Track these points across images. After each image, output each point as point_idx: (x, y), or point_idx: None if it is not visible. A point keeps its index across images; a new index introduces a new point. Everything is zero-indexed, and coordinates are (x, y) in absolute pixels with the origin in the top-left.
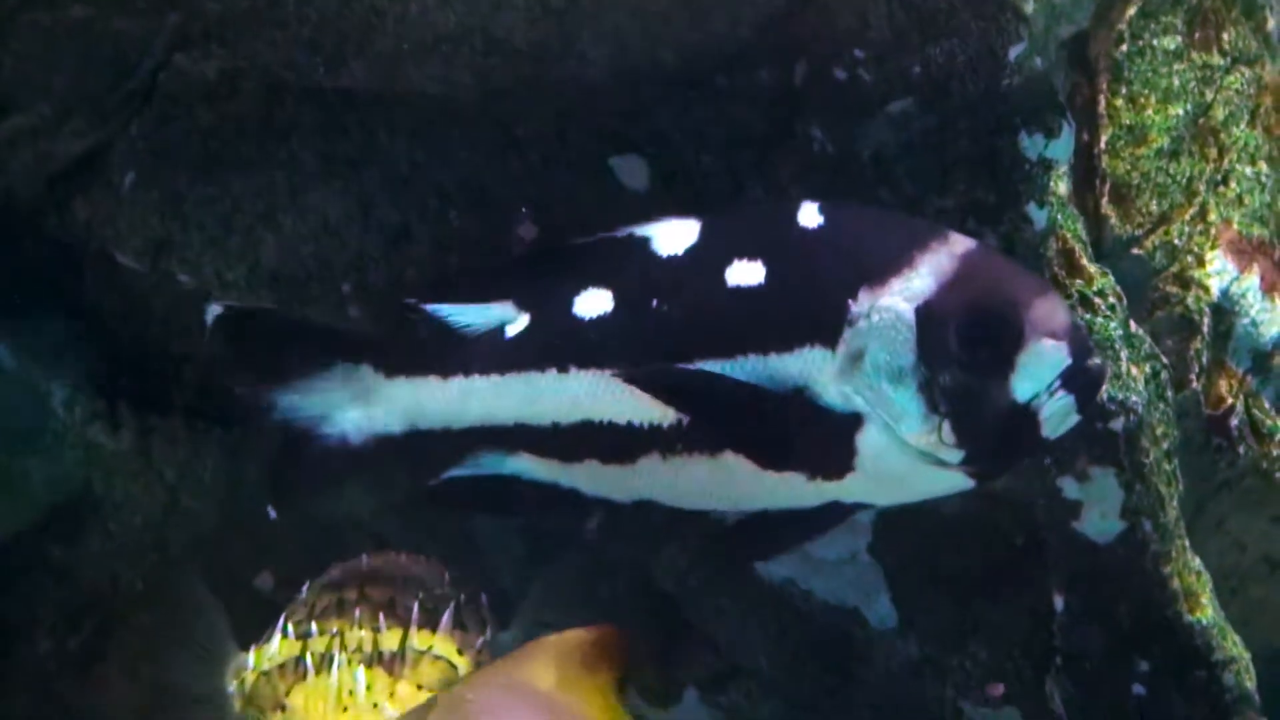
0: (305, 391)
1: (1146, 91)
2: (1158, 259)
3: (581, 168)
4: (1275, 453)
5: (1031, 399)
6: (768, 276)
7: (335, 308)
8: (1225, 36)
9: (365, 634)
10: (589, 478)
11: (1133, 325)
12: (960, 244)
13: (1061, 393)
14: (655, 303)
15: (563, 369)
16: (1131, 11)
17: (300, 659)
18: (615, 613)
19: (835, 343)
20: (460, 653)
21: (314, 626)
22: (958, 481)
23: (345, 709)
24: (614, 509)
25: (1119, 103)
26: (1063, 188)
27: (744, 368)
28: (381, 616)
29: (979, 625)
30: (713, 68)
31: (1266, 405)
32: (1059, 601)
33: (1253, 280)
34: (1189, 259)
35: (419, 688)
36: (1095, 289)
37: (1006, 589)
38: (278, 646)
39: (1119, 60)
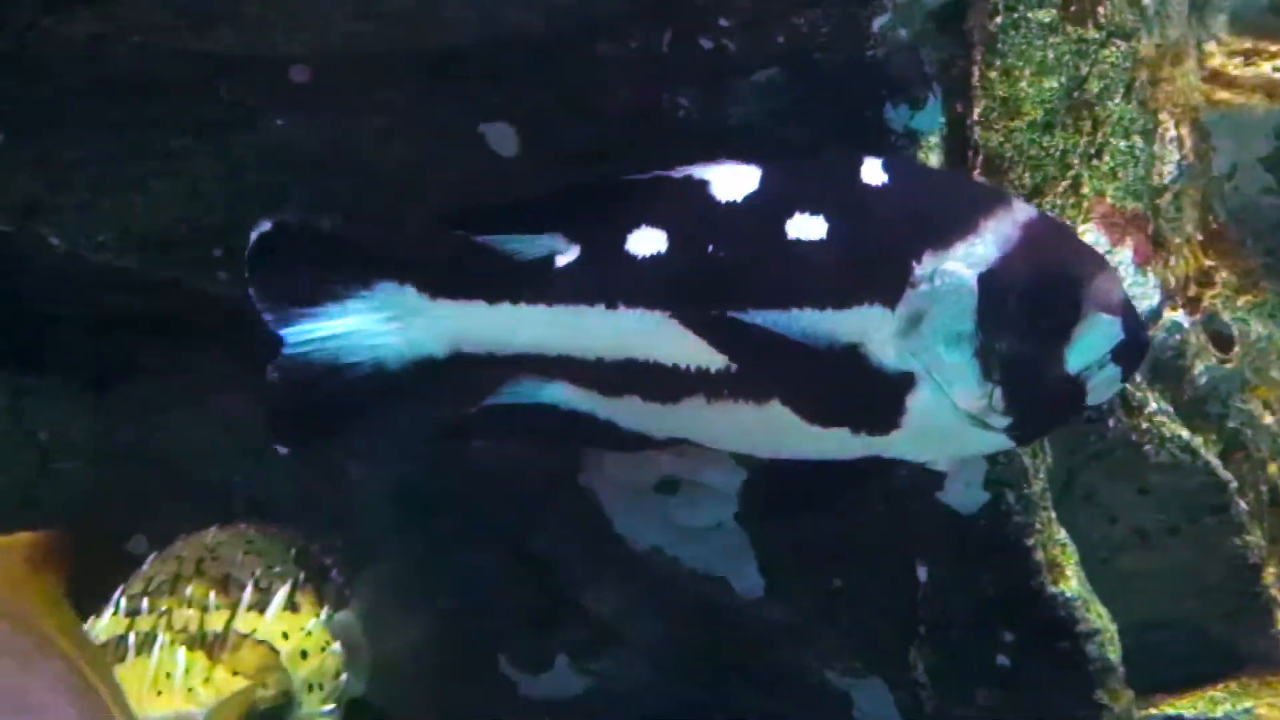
0: (341, 312)
1: (1021, 64)
2: None
3: (451, 134)
4: (1145, 425)
5: (1082, 369)
6: (830, 231)
7: (205, 273)
8: (1101, 10)
9: (193, 613)
10: (629, 413)
11: None
12: (1023, 212)
13: (1111, 365)
14: (711, 248)
15: (611, 305)
16: None
17: (123, 638)
18: (488, 580)
19: (896, 303)
20: (286, 636)
21: (145, 603)
22: (999, 441)
23: (160, 692)
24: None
25: (993, 75)
26: (933, 159)
27: (800, 321)
28: (212, 595)
29: (844, 594)
30: (581, 34)
31: (1138, 378)
32: (923, 571)
33: (1126, 253)
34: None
35: (235, 673)
36: None
37: (871, 558)
38: (106, 623)
39: (993, 33)
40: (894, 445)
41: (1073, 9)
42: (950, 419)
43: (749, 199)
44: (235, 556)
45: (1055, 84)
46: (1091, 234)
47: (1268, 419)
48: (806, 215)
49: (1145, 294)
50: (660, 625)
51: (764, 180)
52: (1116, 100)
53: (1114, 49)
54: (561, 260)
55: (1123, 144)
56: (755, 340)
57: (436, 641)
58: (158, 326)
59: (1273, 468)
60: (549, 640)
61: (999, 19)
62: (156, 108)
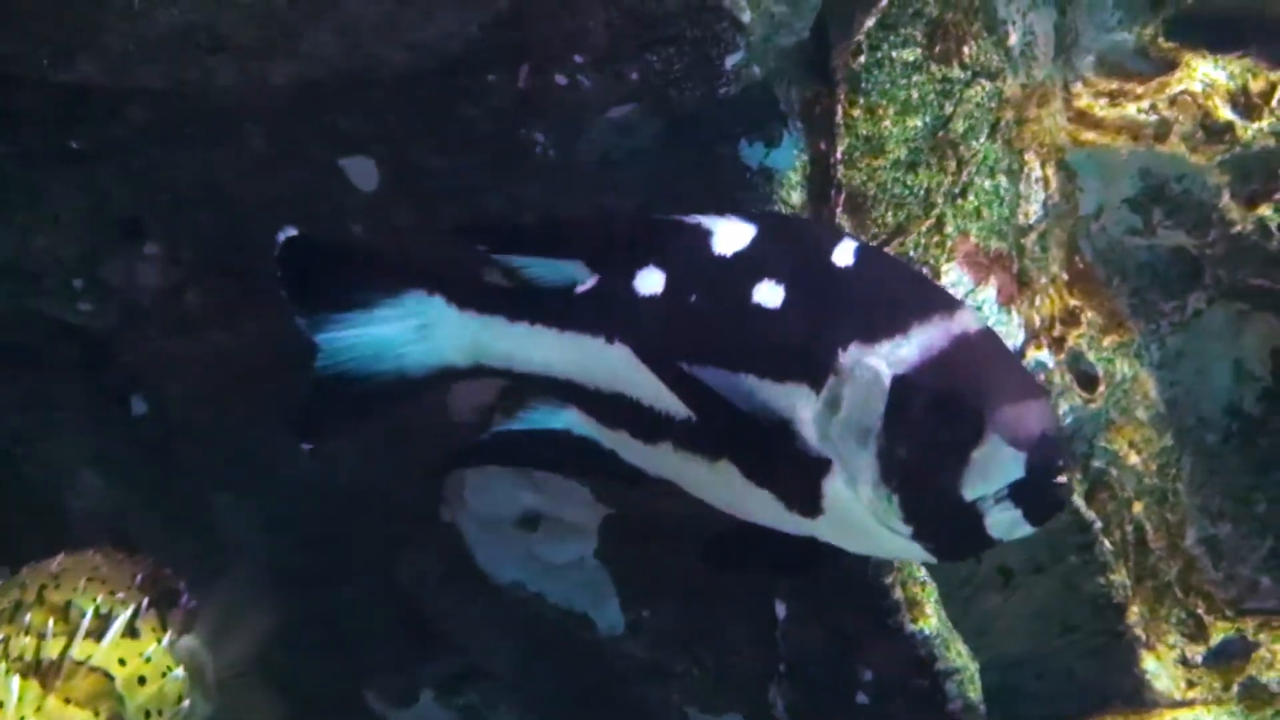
0: (369, 320)
1: (885, 103)
2: None
3: (311, 167)
4: None
5: (978, 499)
6: (784, 304)
7: (68, 302)
8: (966, 50)
9: (30, 641)
10: (623, 446)
11: None
12: (963, 324)
13: (1008, 504)
14: (694, 297)
15: (609, 339)
16: (870, 23)
17: None
18: (357, 611)
19: (820, 386)
20: (123, 662)
21: None
22: (916, 551)
23: None
24: None
25: (856, 113)
26: (795, 197)
27: (744, 385)
28: (51, 623)
29: (704, 631)
30: (442, 68)
31: None
32: (781, 609)
33: (989, 292)
34: (924, 270)
35: (67, 701)
36: None
37: (730, 595)
38: None
39: (857, 71)
40: (821, 530)
41: (937, 49)
42: (862, 515)
43: (735, 256)
44: (79, 583)
45: (919, 123)
46: (955, 273)
47: (1133, 459)
48: (771, 284)
49: (1009, 333)
50: (524, 660)
51: (754, 240)
52: (981, 140)
53: (979, 88)
54: (580, 289)
55: (987, 183)
56: (703, 395)
57: (300, 673)
58: (18, 357)
59: (1138, 507)
60: (415, 674)
61: (863, 57)
62: (17, 139)
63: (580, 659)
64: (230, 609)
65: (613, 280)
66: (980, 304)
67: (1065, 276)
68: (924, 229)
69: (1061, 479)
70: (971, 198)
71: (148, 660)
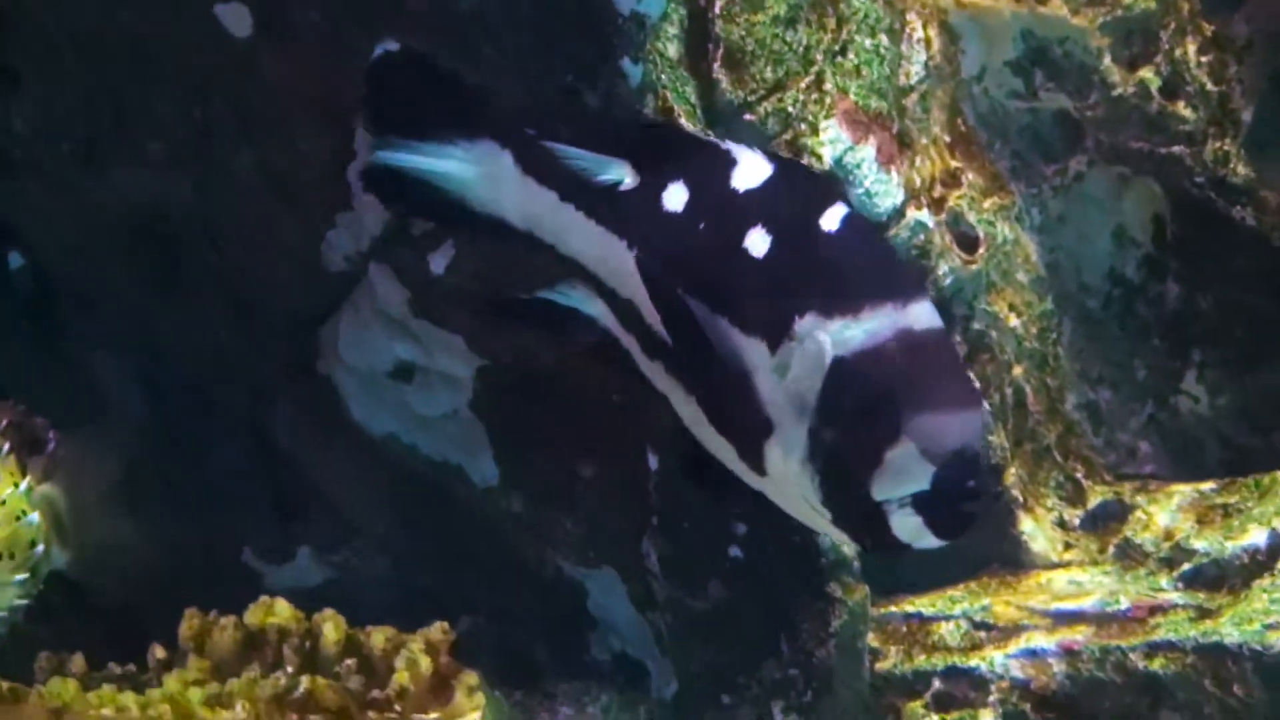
0: (440, 154)
1: None
2: (770, 126)
3: (185, 10)
4: None
5: (884, 500)
6: (766, 256)
7: None
8: None
9: None
10: (634, 352)
11: None
12: (913, 318)
13: (910, 510)
14: (702, 225)
15: (630, 245)
16: None
17: None
18: (232, 470)
19: (776, 348)
20: None
21: None
22: (839, 535)
23: None
24: None
25: None
26: (671, 49)
27: (719, 327)
28: None
29: (578, 484)
30: None
31: None
32: (654, 461)
33: (868, 151)
34: (803, 127)
35: None
36: None
37: (604, 448)
38: None
39: None
40: (766, 489)
41: None
42: (793, 484)
43: (745, 194)
44: None
45: None
46: (833, 130)
47: (1013, 321)
48: (762, 232)
49: (888, 192)
50: (398, 517)
51: (765, 182)
52: None
53: None
54: (622, 187)
55: (868, 42)
56: (685, 327)
57: (175, 532)
58: None
59: (1018, 370)
60: (291, 532)
61: None
62: None
63: (454, 513)
64: (95, 460)
65: (647, 188)
66: (859, 162)
67: (946, 138)
68: (803, 86)
69: (973, 500)
70: (851, 56)
71: (2, 503)
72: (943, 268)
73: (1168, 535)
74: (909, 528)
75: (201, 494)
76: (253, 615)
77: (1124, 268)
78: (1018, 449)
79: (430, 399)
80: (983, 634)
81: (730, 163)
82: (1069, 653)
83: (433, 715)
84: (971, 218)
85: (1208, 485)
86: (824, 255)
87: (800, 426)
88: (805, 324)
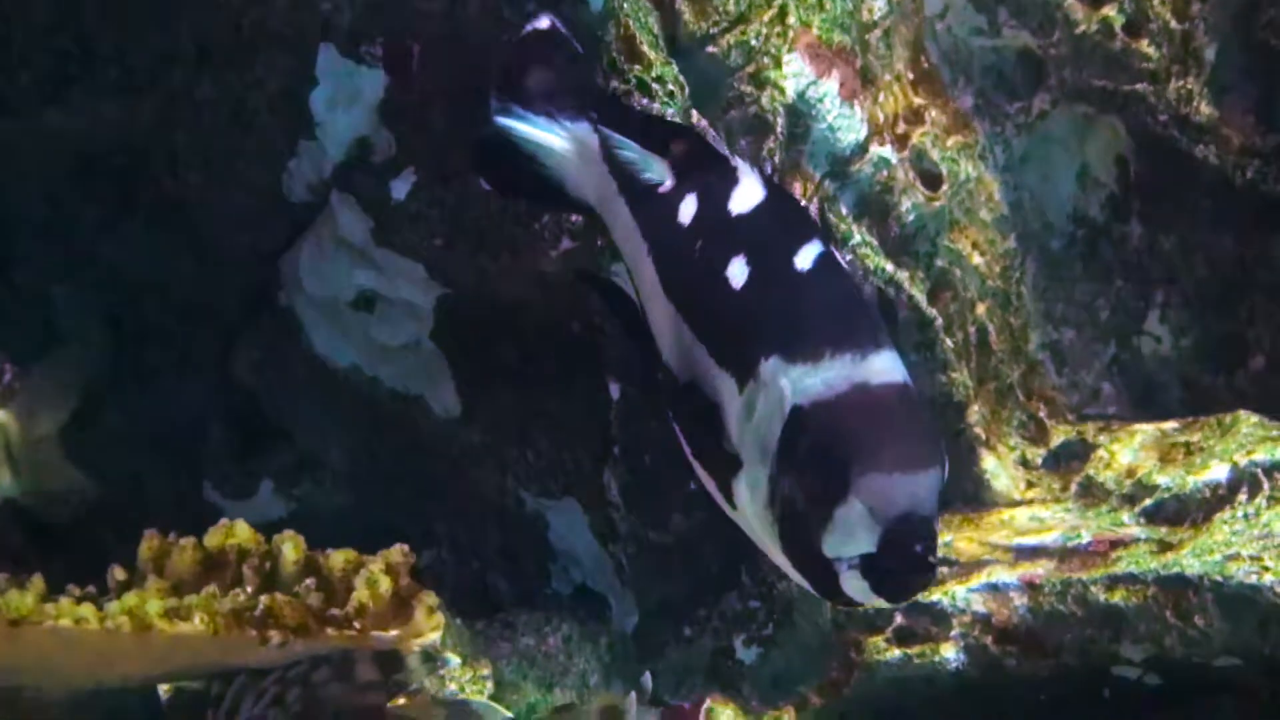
0: (548, 128)
1: None
2: (733, 58)
3: None
4: (849, 257)
5: (835, 558)
6: (743, 288)
7: None
8: None
9: None
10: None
11: (696, 117)
12: (871, 371)
13: (857, 573)
14: (699, 245)
15: (647, 250)
16: None
17: None
18: (193, 404)
19: (743, 386)
20: None
21: None
22: (802, 583)
23: None
24: None
25: None
26: None
27: (697, 354)
28: None
29: (539, 414)
30: None
31: (844, 211)
32: (615, 391)
33: (831, 85)
34: (765, 60)
35: None
36: (654, 75)
37: (566, 379)
38: None
39: None
40: (740, 521)
41: None
42: (756, 524)
43: (737, 219)
44: None
45: None
46: (796, 64)
47: (976, 260)
48: (742, 262)
49: (851, 127)
50: (360, 449)
51: (756, 208)
52: None
53: None
54: (661, 189)
55: None
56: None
57: (136, 467)
58: None
59: (980, 309)
60: (252, 466)
61: None
62: None
63: (416, 445)
64: (51, 392)
65: (673, 195)
66: (822, 96)
67: (910, 76)
68: (765, 19)
69: (919, 565)
70: None
71: None
72: (905, 204)
73: (1130, 473)
74: (857, 588)
75: (161, 428)
76: (212, 537)
77: (1087, 208)
78: (980, 388)
79: (392, 329)
80: (944, 569)
81: (733, 183)
82: (1030, 586)
83: (392, 633)
84: (935, 155)
85: (1170, 424)
86: (792, 295)
87: (762, 469)
88: (769, 367)
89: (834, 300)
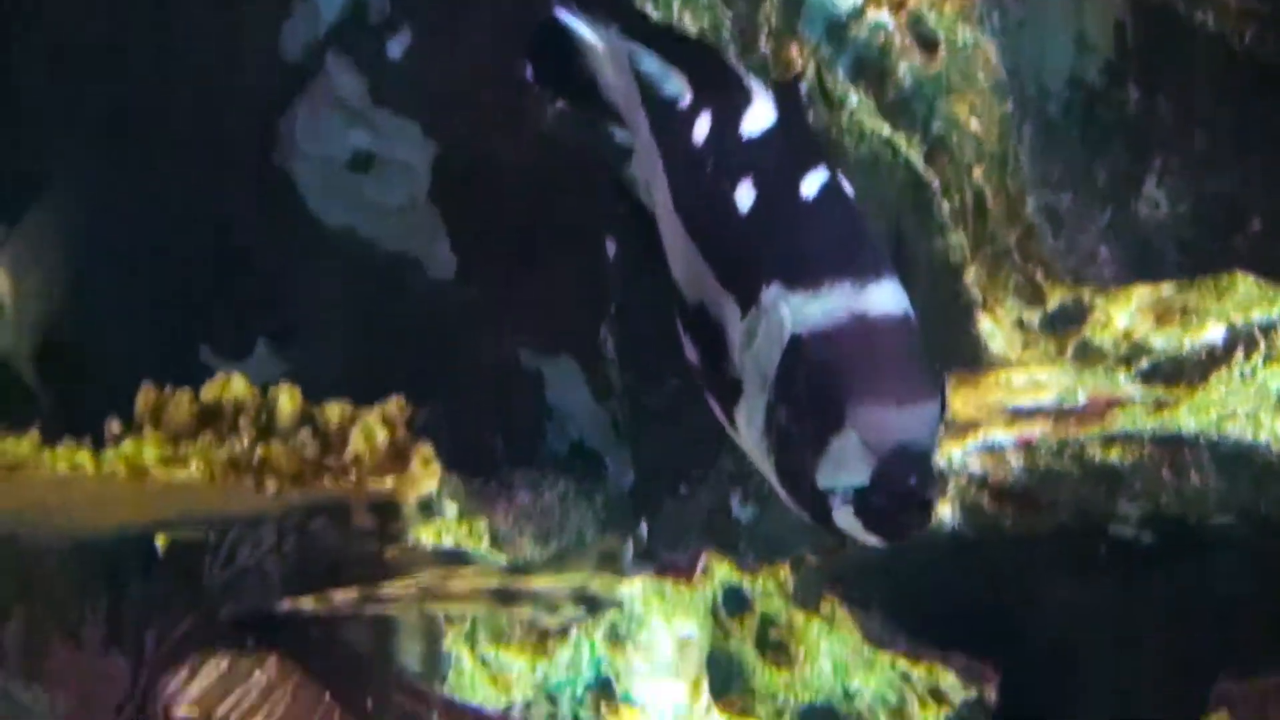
0: (590, 26)
1: None
2: None
3: None
4: (845, 120)
5: (828, 489)
6: (749, 212)
7: None
8: None
9: None
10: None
11: None
12: (871, 301)
13: (850, 507)
14: (710, 166)
15: (662, 166)
16: None
17: None
18: (188, 264)
19: (745, 312)
20: None
21: None
22: (799, 510)
23: None
24: None
25: None
26: None
27: (702, 276)
28: None
29: (536, 274)
30: None
31: (840, 75)
32: (612, 247)
33: None
34: None
35: None
36: None
37: (562, 236)
38: None
39: None
40: (741, 444)
41: None
42: (755, 451)
43: (748, 141)
44: None
45: None
46: None
47: (973, 124)
48: (749, 185)
49: None
50: (356, 309)
51: (767, 130)
52: None
53: None
54: (680, 104)
55: None
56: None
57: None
58: None
59: (977, 172)
60: (248, 327)
61: None
62: None
63: (412, 305)
64: (42, 248)
65: (690, 112)
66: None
67: None
68: None
69: (912, 502)
70: None
71: None
72: (902, 68)
73: (1126, 334)
74: (850, 524)
75: (156, 290)
76: (209, 390)
77: (1084, 73)
78: (977, 250)
79: (388, 188)
80: (940, 430)
81: (745, 102)
82: (1026, 445)
83: (388, 482)
84: (931, 20)
85: (1166, 286)
86: (796, 222)
87: (760, 397)
88: (770, 294)
89: (837, 228)
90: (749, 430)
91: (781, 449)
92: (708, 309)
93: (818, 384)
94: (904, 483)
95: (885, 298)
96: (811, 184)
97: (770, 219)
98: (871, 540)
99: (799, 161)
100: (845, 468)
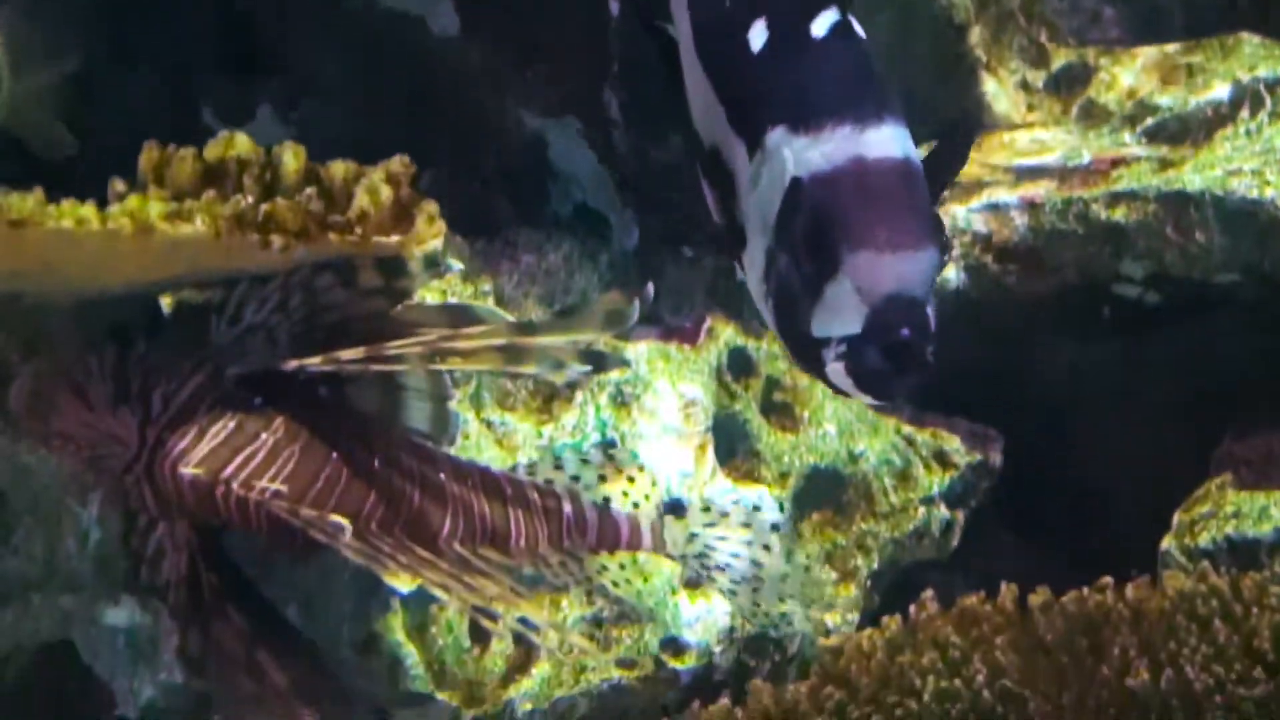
0: None
1: None
2: None
3: None
4: None
5: (821, 339)
6: (760, 52)
7: None
8: None
9: None
10: None
11: None
12: (872, 145)
13: (843, 362)
14: (728, 3)
15: (687, 2)
16: None
17: None
18: (191, 28)
19: (752, 156)
20: None
21: None
22: (796, 360)
23: None
24: None
25: None
26: None
27: (717, 118)
28: None
29: (539, 34)
30: None
31: None
32: (615, 7)
33: None
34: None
35: None
36: None
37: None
38: None
39: None
40: (750, 294)
41: None
42: (758, 297)
43: None
44: None
45: None
46: None
47: None
48: (763, 24)
49: None
50: (358, 71)
51: None
52: None
53: None
54: None
55: None
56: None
57: (131, 92)
58: None
59: None
60: (251, 90)
61: None
62: None
63: (415, 66)
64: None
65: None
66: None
67: None
68: None
69: (904, 352)
70: None
71: None
72: None
73: (1131, 94)
74: (841, 379)
75: (158, 53)
76: (212, 149)
77: None
78: (981, 11)
79: None
80: (944, 191)
81: None
82: (1031, 205)
83: (393, 238)
84: None
85: (1172, 46)
86: (803, 63)
87: (761, 242)
88: (774, 136)
89: (843, 70)
90: (750, 275)
91: (779, 296)
92: (721, 154)
93: (814, 229)
94: (895, 333)
95: (886, 142)
96: (821, 24)
97: (779, 59)
98: (865, 399)
99: (810, 1)
100: (838, 315)
